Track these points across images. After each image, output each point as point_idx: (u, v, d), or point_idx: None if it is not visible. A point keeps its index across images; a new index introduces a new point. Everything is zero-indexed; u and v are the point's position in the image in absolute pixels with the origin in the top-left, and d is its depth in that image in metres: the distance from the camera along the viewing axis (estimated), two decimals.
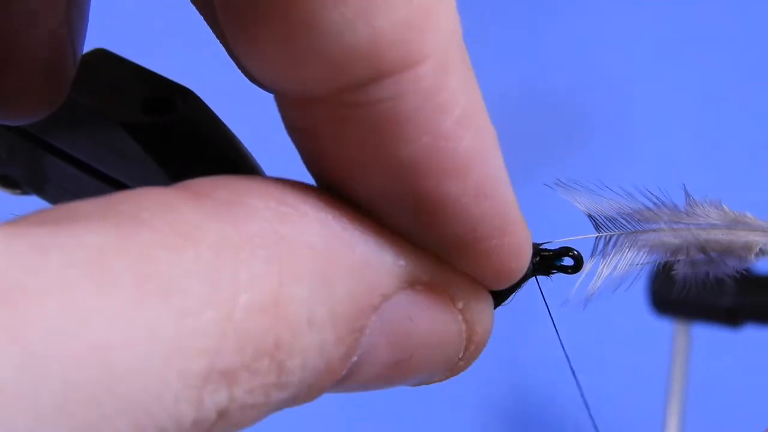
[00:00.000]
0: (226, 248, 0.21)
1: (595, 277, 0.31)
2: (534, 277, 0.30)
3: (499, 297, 0.28)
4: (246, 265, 0.21)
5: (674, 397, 0.95)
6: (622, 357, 1.16)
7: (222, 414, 0.21)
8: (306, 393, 0.23)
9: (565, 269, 0.30)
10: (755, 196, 1.09)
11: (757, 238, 0.31)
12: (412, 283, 0.25)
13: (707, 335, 0.96)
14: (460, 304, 0.26)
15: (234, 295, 0.21)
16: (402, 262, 0.25)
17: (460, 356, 0.27)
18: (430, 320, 0.26)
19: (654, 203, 0.31)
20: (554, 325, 0.32)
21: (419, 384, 0.27)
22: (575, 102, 1.20)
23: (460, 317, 0.26)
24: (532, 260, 0.29)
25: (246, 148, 0.30)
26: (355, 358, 0.24)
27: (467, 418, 1.17)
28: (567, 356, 0.33)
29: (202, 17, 0.26)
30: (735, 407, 1.17)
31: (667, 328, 0.97)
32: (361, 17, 0.22)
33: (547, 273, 0.30)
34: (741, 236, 0.31)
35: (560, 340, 0.32)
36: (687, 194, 0.31)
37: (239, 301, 0.21)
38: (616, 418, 1.16)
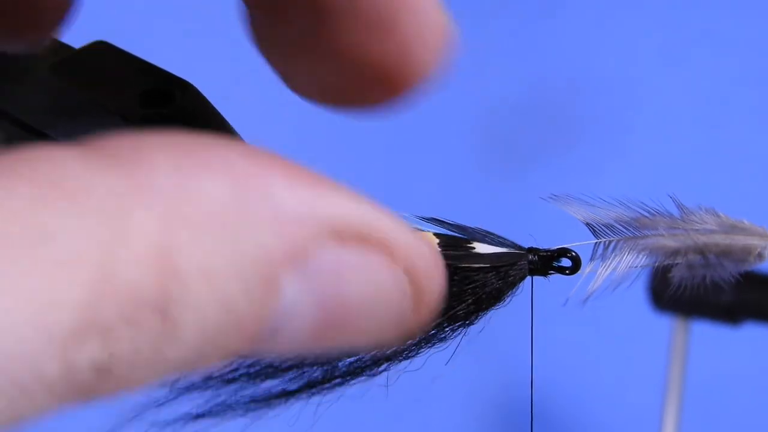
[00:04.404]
0: (109, 200, 0.21)
1: (595, 279, 0.31)
2: (530, 277, 0.30)
3: (497, 296, 0.28)
4: (128, 217, 0.21)
5: (672, 394, 0.95)
6: (620, 353, 1.16)
7: (102, 370, 0.20)
8: (214, 350, 0.22)
9: (562, 270, 0.30)
10: (754, 199, 1.09)
11: (755, 242, 0.31)
12: (341, 236, 0.23)
13: (706, 332, 0.96)
14: (398, 255, 0.24)
15: (113, 246, 0.20)
16: (328, 211, 0.23)
17: (411, 311, 0.25)
18: (363, 276, 0.24)
19: (649, 212, 0.31)
20: (532, 324, 0.32)
21: (372, 349, 0.26)
22: (573, 103, 1.20)
23: (399, 269, 0.24)
24: (529, 260, 0.29)
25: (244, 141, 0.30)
26: (275, 318, 0.23)
27: (461, 414, 1.18)
28: (532, 355, 0.33)
29: (204, 11, 0.26)
30: (733, 404, 1.17)
31: (666, 324, 0.97)
32: None
33: (545, 273, 0.30)
34: (739, 240, 0.31)
35: (532, 338, 0.32)
36: (679, 204, 0.31)
37: (119, 253, 0.20)
38: (614, 414, 1.16)
